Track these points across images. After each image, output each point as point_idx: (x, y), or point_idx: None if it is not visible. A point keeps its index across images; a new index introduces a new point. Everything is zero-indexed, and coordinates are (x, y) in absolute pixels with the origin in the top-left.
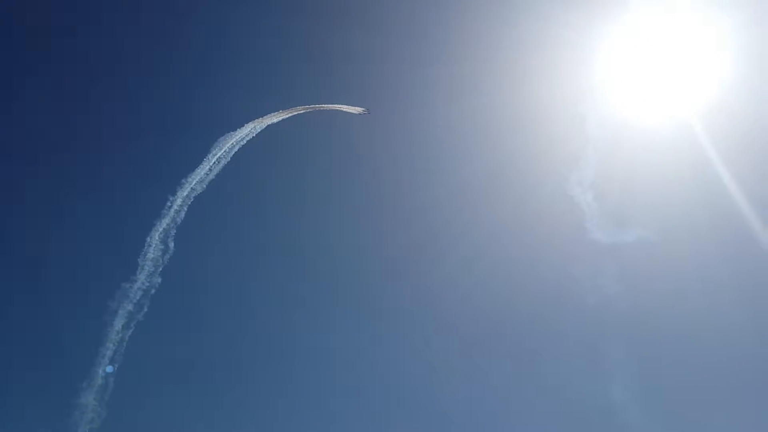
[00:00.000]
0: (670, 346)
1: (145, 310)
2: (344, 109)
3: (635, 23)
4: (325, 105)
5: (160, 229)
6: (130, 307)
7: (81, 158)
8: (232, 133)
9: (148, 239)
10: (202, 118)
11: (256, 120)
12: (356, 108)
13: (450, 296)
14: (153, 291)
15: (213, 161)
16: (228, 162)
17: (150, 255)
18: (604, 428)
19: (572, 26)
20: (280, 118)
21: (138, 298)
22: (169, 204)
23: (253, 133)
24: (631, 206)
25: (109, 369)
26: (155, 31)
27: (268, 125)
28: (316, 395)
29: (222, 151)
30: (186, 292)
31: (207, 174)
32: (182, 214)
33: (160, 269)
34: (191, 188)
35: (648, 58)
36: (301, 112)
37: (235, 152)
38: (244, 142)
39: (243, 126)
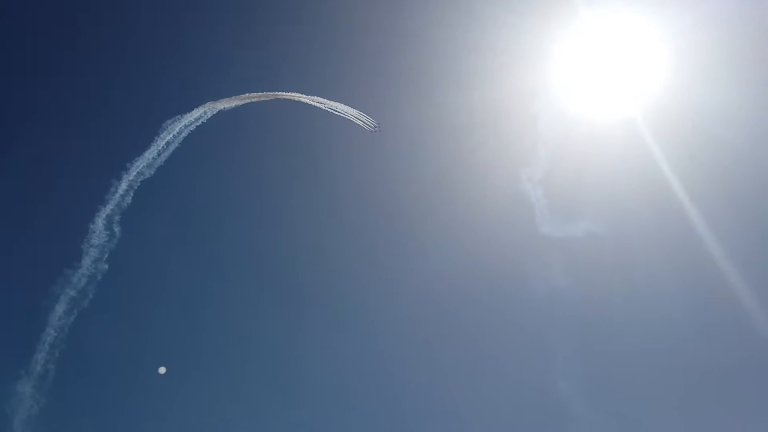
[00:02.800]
0: (616, 339)
1: (91, 296)
2: (341, 112)
3: (584, 26)
4: (318, 99)
5: (104, 215)
6: (73, 293)
7: (20, 140)
8: (181, 116)
9: (92, 225)
10: (150, 101)
11: (209, 103)
12: (361, 117)
13: (399, 289)
14: (99, 277)
15: (162, 145)
16: (178, 146)
17: (95, 241)
18: (551, 419)
19: (524, 29)
20: (234, 104)
21: (83, 284)
22: (113, 188)
23: (204, 117)
24: (580, 201)
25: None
26: (100, 7)
27: (220, 110)
28: (262, 386)
29: (171, 135)
30: (135, 278)
31: (155, 158)
32: (128, 199)
33: (106, 255)
34: (138, 172)
35: (596, 59)
36: (258, 99)
37: (185, 136)
38: (194, 126)
39: (193, 109)
